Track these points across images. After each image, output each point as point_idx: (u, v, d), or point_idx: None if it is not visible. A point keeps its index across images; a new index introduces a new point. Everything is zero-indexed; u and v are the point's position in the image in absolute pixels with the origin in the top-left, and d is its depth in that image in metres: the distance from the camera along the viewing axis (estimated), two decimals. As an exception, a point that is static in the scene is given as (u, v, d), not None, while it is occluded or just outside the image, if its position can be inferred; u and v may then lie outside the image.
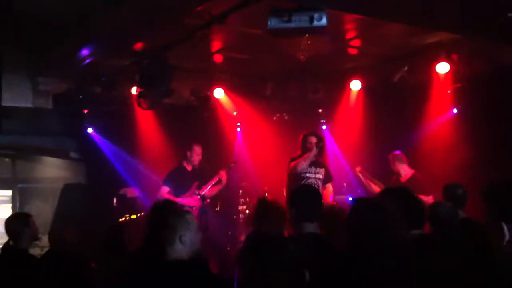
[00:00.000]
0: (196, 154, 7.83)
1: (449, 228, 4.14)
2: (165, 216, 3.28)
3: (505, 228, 1.82)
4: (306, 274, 2.16)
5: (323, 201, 4.19)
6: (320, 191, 6.57)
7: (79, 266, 4.53)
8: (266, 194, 8.13)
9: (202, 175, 7.92)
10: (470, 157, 7.25)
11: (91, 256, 5.70)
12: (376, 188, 7.43)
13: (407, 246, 2.65)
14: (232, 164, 8.26)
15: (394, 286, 2.55)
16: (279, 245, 2.17)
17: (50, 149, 9.09)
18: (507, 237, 1.82)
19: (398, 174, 7.46)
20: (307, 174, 7.16)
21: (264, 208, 4.56)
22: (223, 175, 7.83)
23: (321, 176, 7.27)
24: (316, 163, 7.28)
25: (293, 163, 7.17)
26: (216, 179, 7.86)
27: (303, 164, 7.07)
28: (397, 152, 7.54)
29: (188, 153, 7.82)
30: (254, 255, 2.21)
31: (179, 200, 7.26)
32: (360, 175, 7.84)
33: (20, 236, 4.66)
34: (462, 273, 2.82)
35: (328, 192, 7.34)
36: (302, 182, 6.98)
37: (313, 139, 7.22)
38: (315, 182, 7.12)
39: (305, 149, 7.20)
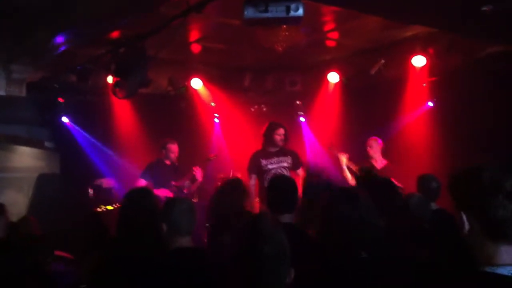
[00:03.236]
0: (171, 152, 7.77)
1: (419, 219, 4.22)
2: None
3: (464, 217, 1.84)
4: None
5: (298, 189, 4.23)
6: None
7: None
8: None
9: (180, 169, 7.87)
10: (444, 150, 7.35)
11: (64, 247, 5.70)
12: (349, 179, 7.37)
13: (378, 236, 2.67)
14: (213, 157, 8.20)
15: (366, 275, 2.57)
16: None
17: (24, 139, 8.93)
18: (467, 227, 1.83)
19: (373, 160, 7.46)
20: (269, 166, 7.16)
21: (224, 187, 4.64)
22: (197, 171, 7.74)
23: (286, 164, 7.24)
24: (279, 152, 7.26)
25: (248, 162, 7.24)
26: (190, 176, 7.80)
27: None
28: (378, 139, 7.55)
29: (164, 152, 7.76)
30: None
31: (156, 191, 7.20)
32: (342, 158, 7.52)
33: None
34: (431, 261, 2.86)
35: (300, 178, 7.35)
36: (265, 175, 6.99)
37: (282, 131, 7.23)
38: (280, 171, 7.11)
39: (271, 139, 7.19)
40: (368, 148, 7.50)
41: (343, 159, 7.40)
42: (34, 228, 5.72)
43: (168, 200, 3.75)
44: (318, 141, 9.49)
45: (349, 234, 2.64)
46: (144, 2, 5.36)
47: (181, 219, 3.40)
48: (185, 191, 7.74)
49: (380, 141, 7.52)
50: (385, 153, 7.57)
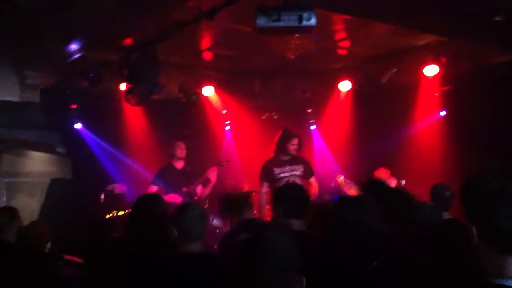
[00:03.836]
0: (179, 148, 7.81)
1: (427, 227, 4.20)
2: None
3: (474, 229, 1.80)
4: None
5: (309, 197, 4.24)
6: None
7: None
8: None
9: (191, 174, 7.90)
10: (456, 158, 7.30)
11: (75, 251, 5.74)
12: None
13: (383, 242, 2.67)
14: (225, 162, 8.21)
15: (373, 283, 2.57)
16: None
17: (37, 143, 9.02)
18: (475, 239, 1.79)
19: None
20: (281, 174, 7.15)
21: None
22: (212, 172, 7.78)
23: (298, 173, 7.23)
24: (292, 161, 7.26)
25: (261, 171, 7.23)
26: (205, 177, 7.83)
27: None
28: (385, 169, 7.62)
29: (171, 150, 7.80)
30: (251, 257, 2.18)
31: (166, 197, 7.22)
32: (341, 182, 7.71)
33: (7, 229, 4.66)
34: (435, 270, 2.85)
35: (313, 187, 7.33)
36: (277, 183, 6.97)
37: (297, 141, 7.22)
38: (292, 180, 7.10)
39: (285, 149, 7.19)
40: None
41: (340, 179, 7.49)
42: (45, 232, 5.76)
43: (180, 206, 3.78)
44: (329, 149, 9.47)
45: (353, 239, 2.64)
46: (158, 7, 5.38)
47: (191, 225, 3.42)
48: (195, 198, 7.76)
49: (387, 170, 7.58)
50: (396, 162, 7.59)
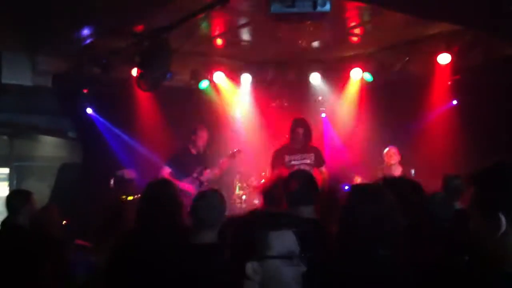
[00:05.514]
0: (200, 137, 7.82)
1: (439, 218, 4.19)
2: None
3: (503, 219, 1.77)
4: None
5: (318, 184, 4.22)
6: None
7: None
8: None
9: (205, 160, 7.92)
10: (468, 148, 7.27)
11: (85, 236, 5.79)
12: None
13: (402, 235, 2.66)
14: (236, 152, 8.22)
15: (386, 274, 2.57)
16: None
17: (48, 128, 9.06)
18: (503, 228, 1.77)
19: (392, 167, 7.55)
20: (292, 162, 7.15)
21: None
22: (224, 163, 7.86)
23: (309, 161, 7.23)
24: (303, 149, 7.25)
25: (272, 157, 7.25)
26: (217, 167, 7.92)
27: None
28: (396, 148, 7.66)
29: (193, 137, 7.80)
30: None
31: (179, 183, 7.22)
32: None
33: (20, 212, 4.69)
34: (450, 263, 2.84)
35: (323, 175, 7.34)
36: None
37: (301, 130, 7.21)
38: (303, 168, 7.07)
39: (292, 137, 7.21)
40: (387, 157, 7.60)
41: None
42: (57, 217, 5.80)
43: (198, 194, 3.77)
44: (339, 137, 9.45)
45: (369, 229, 2.63)
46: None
47: (206, 214, 3.41)
48: (206, 184, 7.77)
49: (398, 150, 7.61)
50: (409, 151, 7.61)
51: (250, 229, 2.00)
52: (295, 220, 2.26)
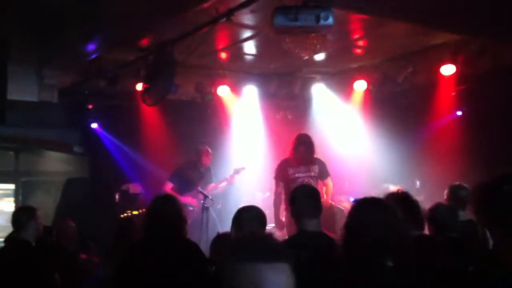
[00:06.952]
0: (206, 156, 7.93)
1: (446, 228, 4.20)
2: None
3: (487, 233, 1.78)
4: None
5: (322, 197, 4.24)
6: (316, 188, 6.52)
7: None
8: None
9: (208, 174, 7.96)
10: (474, 157, 7.25)
11: (87, 249, 5.80)
12: None
13: (408, 246, 2.65)
14: (241, 169, 8.25)
15: (390, 284, 2.56)
16: None
17: (54, 143, 9.08)
18: (491, 242, 1.77)
19: None
20: (296, 175, 7.10)
21: None
22: (230, 180, 7.99)
23: (313, 174, 7.20)
24: (307, 161, 7.21)
25: (276, 170, 7.24)
26: (221, 182, 8.02)
27: None
28: None
29: (195, 157, 7.90)
30: None
31: (181, 197, 7.23)
32: None
33: (26, 228, 4.71)
34: (457, 271, 2.83)
35: (328, 188, 7.30)
36: (292, 184, 6.89)
37: (302, 148, 7.14)
38: (307, 181, 7.05)
39: (295, 155, 7.18)
40: None
41: None
42: (73, 231, 5.85)
43: (241, 208, 4.00)
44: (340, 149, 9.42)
45: (375, 240, 2.62)
46: (176, 8, 5.41)
47: (249, 226, 3.65)
48: (210, 198, 7.75)
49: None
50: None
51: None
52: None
